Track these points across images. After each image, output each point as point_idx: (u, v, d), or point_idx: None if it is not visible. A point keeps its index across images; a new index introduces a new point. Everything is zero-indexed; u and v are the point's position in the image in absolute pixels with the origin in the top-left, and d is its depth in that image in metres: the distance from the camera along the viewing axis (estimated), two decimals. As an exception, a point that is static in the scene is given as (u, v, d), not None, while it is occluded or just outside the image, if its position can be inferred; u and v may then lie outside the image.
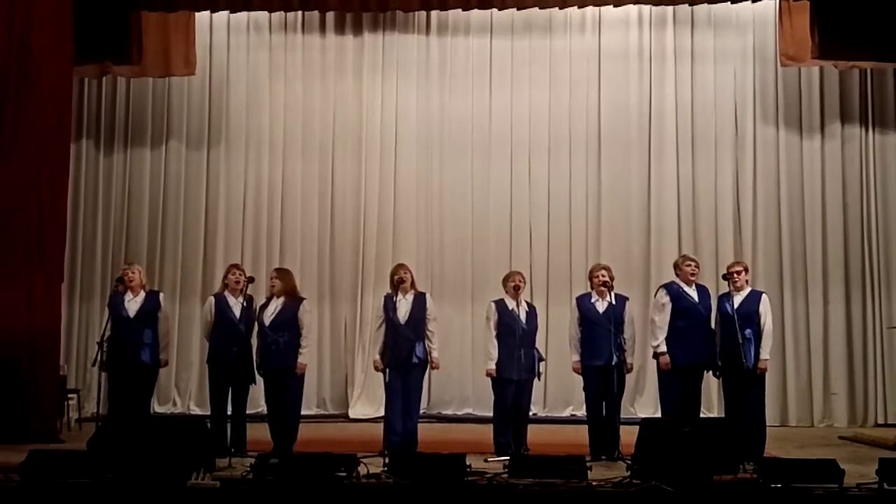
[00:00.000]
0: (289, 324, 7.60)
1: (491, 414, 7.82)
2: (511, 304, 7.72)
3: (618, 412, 7.51)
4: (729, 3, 9.50)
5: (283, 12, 10.19)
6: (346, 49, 10.62)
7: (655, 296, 7.87)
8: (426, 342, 7.70)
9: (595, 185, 10.40)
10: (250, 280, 7.78)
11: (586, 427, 7.70)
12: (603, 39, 10.51)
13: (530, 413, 8.12)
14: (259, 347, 7.66)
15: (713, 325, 7.55)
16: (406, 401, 7.63)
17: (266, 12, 10.12)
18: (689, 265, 7.73)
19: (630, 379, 8.15)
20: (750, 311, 7.41)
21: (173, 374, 10.15)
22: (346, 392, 10.29)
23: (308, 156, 10.56)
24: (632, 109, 10.44)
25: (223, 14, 10.13)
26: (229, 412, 7.60)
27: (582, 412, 8.67)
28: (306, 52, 10.65)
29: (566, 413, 10.02)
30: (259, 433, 7.72)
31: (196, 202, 10.54)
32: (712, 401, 9.54)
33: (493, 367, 7.64)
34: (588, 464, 6.14)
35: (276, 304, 7.69)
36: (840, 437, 9.08)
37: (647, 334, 8.03)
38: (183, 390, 10.30)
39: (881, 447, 8.23)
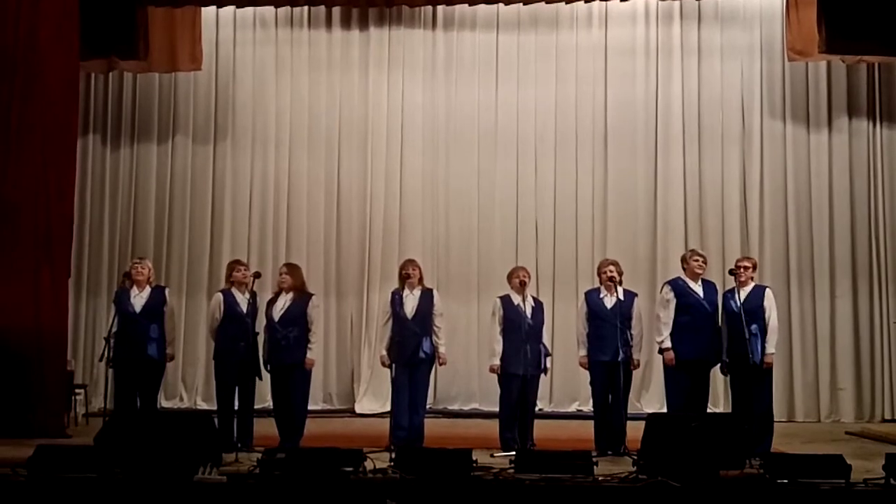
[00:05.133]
0: (298, 319, 7.60)
1: (497, 409, 7.82)
2: (517, 299, 7.70)
3: (624, 407, 7.51)
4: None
5: (288, 7, 10.24)
6: (352, 44, 10.62)
7: (661, 292, 7.87)
8: (433, 337, 7.70)
9: (601, 180, 10.39)
10: (257, 275, 7.78)
11: (592, 422, 7.71)
12: (609, 34, 10.48)
13: (536, 408, 8.10)
14: (268, 343, 7.66)
15: (719, 322, 7.55)
16: (412, 396, 7.65)
17: (272, 7, 10.14)
18: (697, 260, 7.72)
19: (636, 374, 8.14)
20: (755, 307, 7.41)
21: (180, 369, 10.17)
22: (353, 387, 10.29)
23: (314, 151, 10.56)
24: (638, 104, 10.43)
25: (229, 9, 10.18)
26: (236, 407, 7.60)
27: (588, 407, 8.69)
28: (312, 47, 10.65)
29: (572, 408, 10.02)
30: (266, 428, 7.72)
31: (202, 197, 10.56)
32: (719, 396, 9.52)
33: (498, 362, 7.64)
34: (594, 459, 6.13)
35: (285, 300, 7.68)
36: (847, 433, 9.08)
37: (652, 330, 8.03)
38: (190, 385, 10.32)
39: (888, 442, 8.22)
